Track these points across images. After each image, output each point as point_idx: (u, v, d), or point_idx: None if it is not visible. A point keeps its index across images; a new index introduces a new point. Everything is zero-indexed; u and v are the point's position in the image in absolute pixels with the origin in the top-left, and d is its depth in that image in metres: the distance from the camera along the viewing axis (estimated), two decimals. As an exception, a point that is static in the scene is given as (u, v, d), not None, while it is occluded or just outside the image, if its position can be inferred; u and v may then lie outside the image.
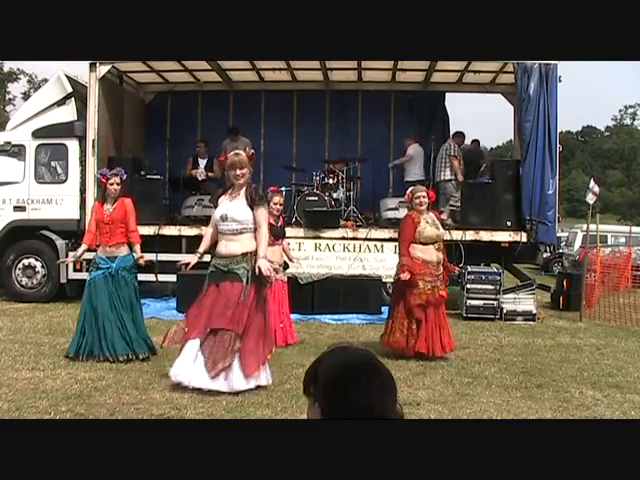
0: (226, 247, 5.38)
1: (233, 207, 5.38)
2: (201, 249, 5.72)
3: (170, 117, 12.86)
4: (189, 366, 5.23)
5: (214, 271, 5.41)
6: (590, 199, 10.22)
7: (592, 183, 10.44)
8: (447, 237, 7.35)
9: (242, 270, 5.26)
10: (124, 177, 6.75)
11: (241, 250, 5.30)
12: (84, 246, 6.78)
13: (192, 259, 5.71)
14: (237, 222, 5.33)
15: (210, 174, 11.31)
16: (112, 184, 6.59)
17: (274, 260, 6.73)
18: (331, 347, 1.66)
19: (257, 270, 5.16)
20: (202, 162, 11.46)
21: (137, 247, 6.64)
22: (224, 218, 5.38)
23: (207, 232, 5.80)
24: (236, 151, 5.52)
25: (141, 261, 6.59)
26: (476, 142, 12.96)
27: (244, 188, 5.42)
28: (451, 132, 12.90)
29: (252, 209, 5.32)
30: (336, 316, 9.25)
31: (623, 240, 19.10)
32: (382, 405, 1.51)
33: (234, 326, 5.19)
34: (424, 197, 6.68)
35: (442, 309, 6.78)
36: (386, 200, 10.73)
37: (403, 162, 11.51)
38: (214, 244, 5.61)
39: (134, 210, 6.70)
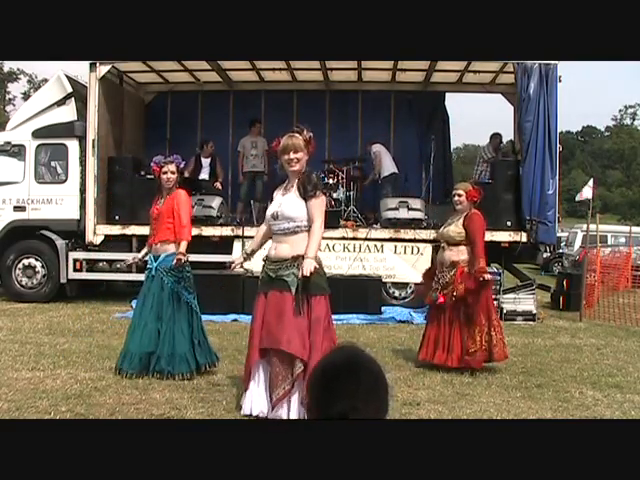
0: (276, 249, 4.64)
1: (285, 202, 4.61)
2: (249, 249, 5.12)
3: (170, 117, 12.86)
4: (254, 394, 4.64)
5: (263, 277, 4.71)
6: (584, 197, 10.38)
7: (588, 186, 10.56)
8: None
9: (292, 277, 4.49)
10: (181, 165, 5.98)
11: (291, 253, 4.52)
12: (146, 248, 6.08)
13: (238, 259, 5.12)
14: (288, 219, 4.55)
15: (216, 184, 11.44)
16: (166, 173, 5.79)
17: None
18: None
19: (300, 272, 4.39)
20: (205, 161, 11.49)
21: (183, 244, 5.73)
22: (275, 216, 4.63)
23: (259, 230, 5.11)
24: (291, 133, 4.70)
25: (176, 259, 5.69)
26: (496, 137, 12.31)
27: (298, 178, 4.63)
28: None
29: (305, 201, 4.53)
30: (336, 316, 9.11)
31: (623, 240, 19.11)
32: (356, 404, 1.50)
33: (290, 346, 4.42)
34: (459, 195, 6.33)
35: (451, 316, 6.21)
36: (386, 200, 10.72)
37: (379, 164, 11.56)
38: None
39: (188, 203, 5.95)
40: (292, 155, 4.59)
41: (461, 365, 6.07)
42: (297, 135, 4.66)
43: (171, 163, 5.85)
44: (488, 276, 6.14)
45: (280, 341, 4.44)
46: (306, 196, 4.52)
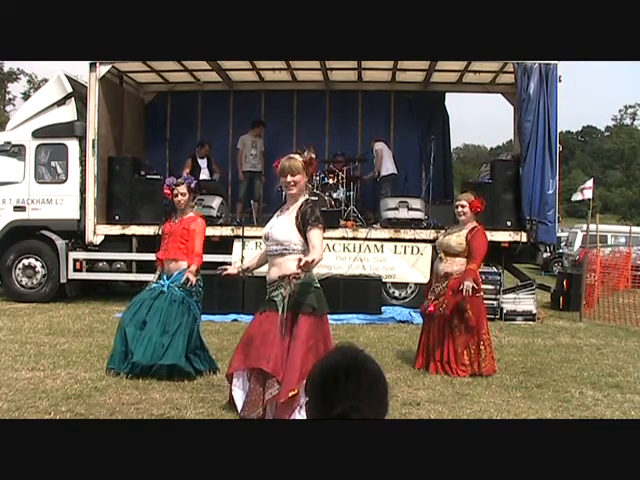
0: (269, 271, 4.68)
1: (277, 225, 4.62)
2: (245, 265, 5.17)
3: (170, 117, 12.87)
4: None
5: (264, 298, 4.73)
6: (586, 197, 10.43)
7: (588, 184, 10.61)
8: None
9: (279, 297, 4.48)
10: (192, 184, 5.98)
11: (279, 274, 4.53)
12: (157, 271, 6.08)
13: (232, 269, 5.11)
14: (277, 242, 4.55)
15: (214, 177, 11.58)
16: (177, 195, 5.87)
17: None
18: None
19: (297, 264, 4.25)
20: (202, 162, 11.51)
21: (192, 267, 5.78)
22: (266, 237, 4.65)
23: (261, 250, 5.13)
24: (290, 155, 4.64)
25: (185, 277, 5.71)
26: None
27: (298, 202, 4.57)
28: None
29: (304, 230, 4.46)
30: (336, 316, 9.19)
31: (623, 240, 19.10)
32: (357, 404, 1.50)
33: (268, 365, 4.43)
34: (462, 207, 6.24)
35: (444, 328, 6.17)
36: (386, 200, 10.73)
37: (380, 162, 11.61)
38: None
39: (203, 232, 5.96)
40: (289, 178, 4.54)
41: (462, 375, 6.05)
42: (296, 157, 4.59)
43: (182, 184, 5.89)
44: (468, 284, 5.93)
45: (261, 360, 4.46)
46: (306, 226, 4.44)
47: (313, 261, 4.28)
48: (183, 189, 5.87)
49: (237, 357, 4.70)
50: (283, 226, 4.56)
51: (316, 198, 9.62)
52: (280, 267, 4.53)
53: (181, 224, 5.89)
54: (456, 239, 6.21)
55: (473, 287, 5.99)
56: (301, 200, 4.57)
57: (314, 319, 4.48)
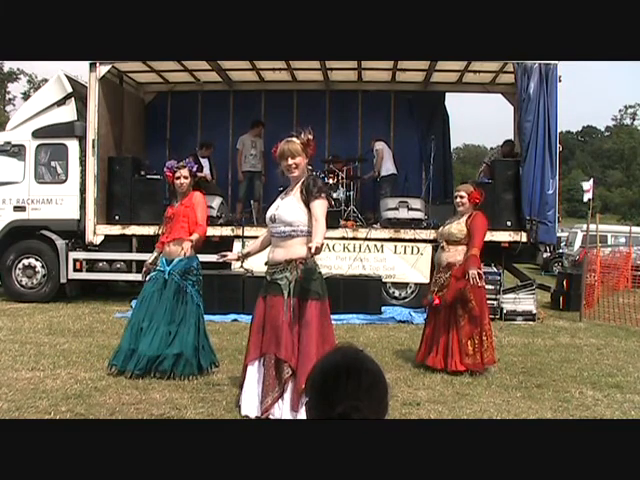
0: (273, 253, 4.65)
1: (283, 206, 4.59)
2: (246, 250, 5.19)
3: (170, 117, 12.87)
4: (247, 395, 4.66)
5: (264, 280, 4.72)
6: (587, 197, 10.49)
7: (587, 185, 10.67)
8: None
9: (284, 281, 4.48)
10: (194, 169, 6.03)
11: (285, 257, 4.51)
12: (155, 252, 6.06)
13: (232, 255, 5.23)
14: (285, 224, 4.52)
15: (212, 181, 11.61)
16: (179, 178, 5.88)
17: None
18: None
19: (310, 250, 4.25)
20: (204, 162, 11.49)
21: (195, 235, 5.77)
22: (272, 219, 4.61)
23: (263, 234, 5.06)
24: (288, 138, 4.60)
25: (185, 246, 5.68)
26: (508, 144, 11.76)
27: (300, 182, 4.58)
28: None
29: (308, 204, 4.47)
30: (336, 316, 9.16)
31: (623, 240, 19.10)
32: (357, 404, 1.50)
33: (279, 351, 4.46)
34: (461, 197, 6.26)
35: (448, 321, 6.15)
36: (386, 200, 10.73)
37: (380, 162, 11.64)
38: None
39: (204, 204, 6.00)
40: (290, 161, 4.56)
41: (461, 369, 6.04)
42: (294, 140, 4.59)
43: (184, 168, 5.92)
44: (473, 272, 5.90)
45: (272, 346, 4.49)
46: (310, 197, 4.46)
47: (322, 245, 4.29)
48: (185, 172, 5.90)
49: (252, 346, 4.69)
50: (290, 206, 4.56)
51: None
52: (288, 250, 4.54)
53: (181, 206, 5.91)
54: (456, 226, 6.23)
55: (478, 273, 5.98)
56: (303, 178, 4.59)
57: (320, 305, 4.55)
